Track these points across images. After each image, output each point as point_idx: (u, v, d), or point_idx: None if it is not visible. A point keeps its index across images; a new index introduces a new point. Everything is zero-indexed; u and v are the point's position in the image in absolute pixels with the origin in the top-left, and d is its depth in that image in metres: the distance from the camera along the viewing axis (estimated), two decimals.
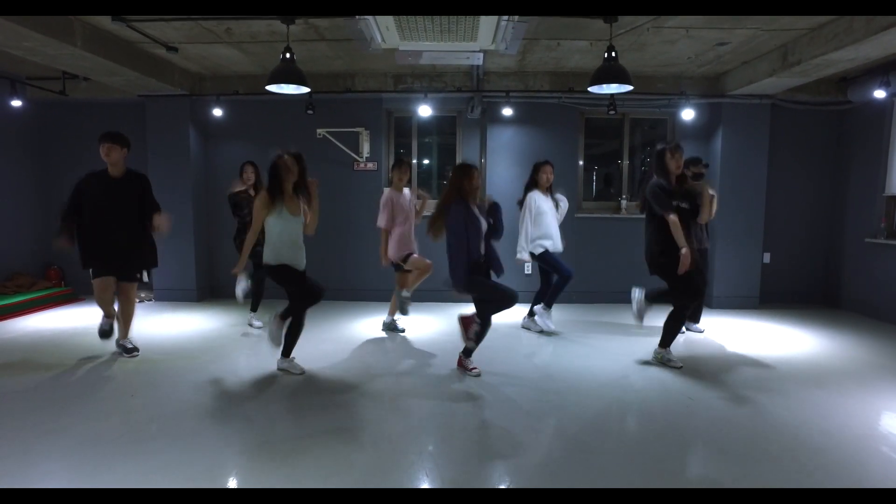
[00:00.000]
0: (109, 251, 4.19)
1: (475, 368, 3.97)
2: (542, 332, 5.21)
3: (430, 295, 6.40)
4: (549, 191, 5.13)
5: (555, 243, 5.10)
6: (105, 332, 4.37)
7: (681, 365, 4.18)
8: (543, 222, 5.07)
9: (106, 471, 2.62)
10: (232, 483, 2.59)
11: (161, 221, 4.21)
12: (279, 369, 4.04)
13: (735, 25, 4.62)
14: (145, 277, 4.48)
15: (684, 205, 4.16)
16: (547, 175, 5.05)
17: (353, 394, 3.66)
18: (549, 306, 5.26)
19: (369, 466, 2.69)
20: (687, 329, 5.23)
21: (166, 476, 2.57)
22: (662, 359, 4.27)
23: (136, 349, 4.41)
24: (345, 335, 5.17)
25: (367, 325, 5.53)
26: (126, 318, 4.44)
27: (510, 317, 5.71)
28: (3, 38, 4.24)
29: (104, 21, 4.56)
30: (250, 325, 5.36)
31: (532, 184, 5.10)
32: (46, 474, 2.58)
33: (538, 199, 5.07)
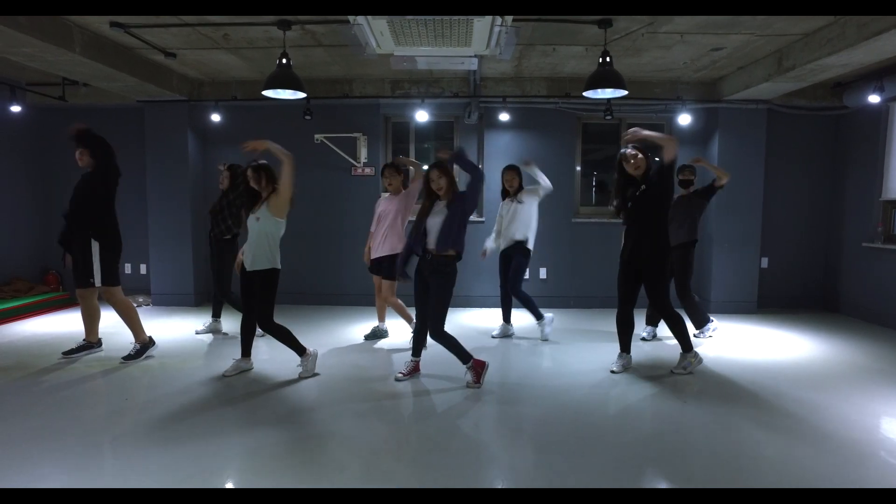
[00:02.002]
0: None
1: (479, 381, 3.87)
2: (544, 339, 5.16)
3: None
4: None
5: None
6: (71, 351, 4.45)
7: (691, 371, 4.15)
8: None
9: (101, 472, 2.62)
10: (226, 484, 2.59)
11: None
12: (302, 372, 4.03)
13: (729, 31, 4.64)
14: (97, 281, 4.27)
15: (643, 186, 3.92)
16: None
17: (347, 397, 3.66)
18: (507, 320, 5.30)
19: (364, 469, 2.69)
20: (655, 338, 5.13)
21: (160, 477, 2.57)
22: (696, 361, 4.18)
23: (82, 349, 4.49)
24: (340, 340, 5.17)
25: (362, 329, 5.52)
26: (125, 322, 4.45)
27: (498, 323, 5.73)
28: (2, 44, 4.28)
29: (102, 27, 4.60)
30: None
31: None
32: (41, 477, 2.58)
33: None
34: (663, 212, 3.97)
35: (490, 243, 5.19)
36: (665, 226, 3.99)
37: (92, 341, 4.54)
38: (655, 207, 3.93)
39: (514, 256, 4.99)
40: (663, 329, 4.79)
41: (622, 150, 4.01)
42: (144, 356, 4.44)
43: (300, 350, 4.04)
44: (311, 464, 2.74)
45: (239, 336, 4.17)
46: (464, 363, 3.87)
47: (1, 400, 3.55)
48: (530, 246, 5.00)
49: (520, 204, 5.02)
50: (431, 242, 3.75)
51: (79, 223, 4.26)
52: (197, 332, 5.30)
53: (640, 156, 3.92)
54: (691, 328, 5.13)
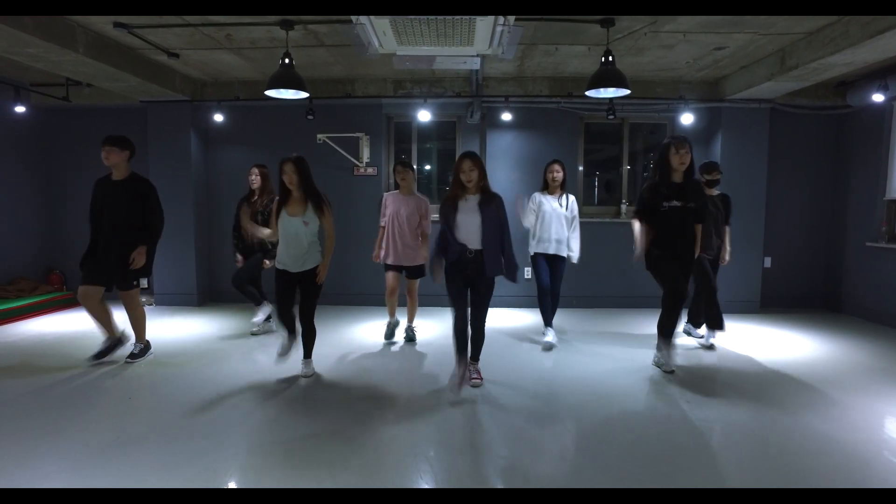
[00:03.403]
0: (101, 257, 4.17)
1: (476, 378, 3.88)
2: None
3: (435, 300, 6.41)
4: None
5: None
6: (101, 353, 4.33)
7: (673, 369, 4.16)
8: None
9: (104, 472, 2.63)
10: (229, 484, 2.59)
11: (136, 255, 4.15)
12: (305, 371, 4.05)
13: (732, 30, 4.63)
14: (143, 284, 4.38)
15: (691, 204, 4.04)
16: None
17: (351, 397, 3.66)
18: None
19: (366, 469, 2.69)
20: (691, 335, 5.16)
21: (163, 477, 2.58)
22: (657, 361, 4.28)
23: (140, 353, 4.42)
24: (344, 339, 5.17)
25: (366, 329, 5.53)
26: (133, 323, 4.41)
27: (511, 322, 5.73)
28: (7, 44, 4.29)
29: (106, 27, 4.61)
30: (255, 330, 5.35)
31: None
32: (45, 476, 2.59)
33: None
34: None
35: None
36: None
37: (141, 341, 4.47)
38: (697, 219, 4.15)
39: (560, 264, 4.92)
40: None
41: (669, 140, 4.07)
42: (148, 354, 4.47)
43: (310, 353, 4.09)
44: (313, 464, 2.74)
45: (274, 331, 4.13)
46: (476, 360, 3.91)
47: (4, 399, 3.56)
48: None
49: (564, 210, 4.89)
50: (472, 242, 3.63)
51: (139, 227, 4.23)
52: (253, 333, 5.29)
53: (688, 151, 4.01)
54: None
